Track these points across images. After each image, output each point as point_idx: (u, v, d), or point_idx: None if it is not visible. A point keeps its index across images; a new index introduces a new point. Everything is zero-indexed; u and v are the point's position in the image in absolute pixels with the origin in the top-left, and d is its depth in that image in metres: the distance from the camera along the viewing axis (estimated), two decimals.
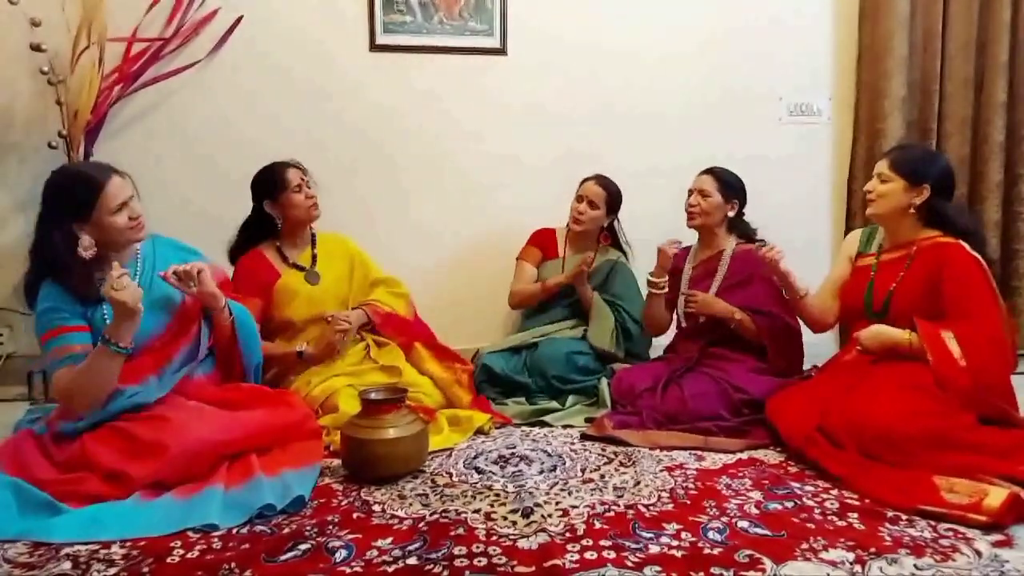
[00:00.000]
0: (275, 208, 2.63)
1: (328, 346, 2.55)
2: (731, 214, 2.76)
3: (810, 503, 1.89)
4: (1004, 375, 2.20)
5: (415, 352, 2.70)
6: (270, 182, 2.62)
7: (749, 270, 2.71)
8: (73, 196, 2.01)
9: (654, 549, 1.64)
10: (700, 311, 2.69)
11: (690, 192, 2.77)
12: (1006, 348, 2.21)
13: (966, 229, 2.32)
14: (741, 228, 2.80)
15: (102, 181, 2.01)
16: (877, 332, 2.31)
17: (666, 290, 2.76)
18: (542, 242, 3.12)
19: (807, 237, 2.93)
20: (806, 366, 2.71)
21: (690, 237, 2.88)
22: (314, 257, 2.70)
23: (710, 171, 2.78)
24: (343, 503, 1.90)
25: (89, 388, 1.95)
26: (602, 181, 3.00)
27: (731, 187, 2.75)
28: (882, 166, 2.38)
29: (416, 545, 1.68)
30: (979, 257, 2.25)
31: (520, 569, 1.57)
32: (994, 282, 2.26)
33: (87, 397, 1.95)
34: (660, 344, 2.99)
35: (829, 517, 1.81)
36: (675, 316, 2.85)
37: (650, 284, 2.77)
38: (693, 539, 1.69)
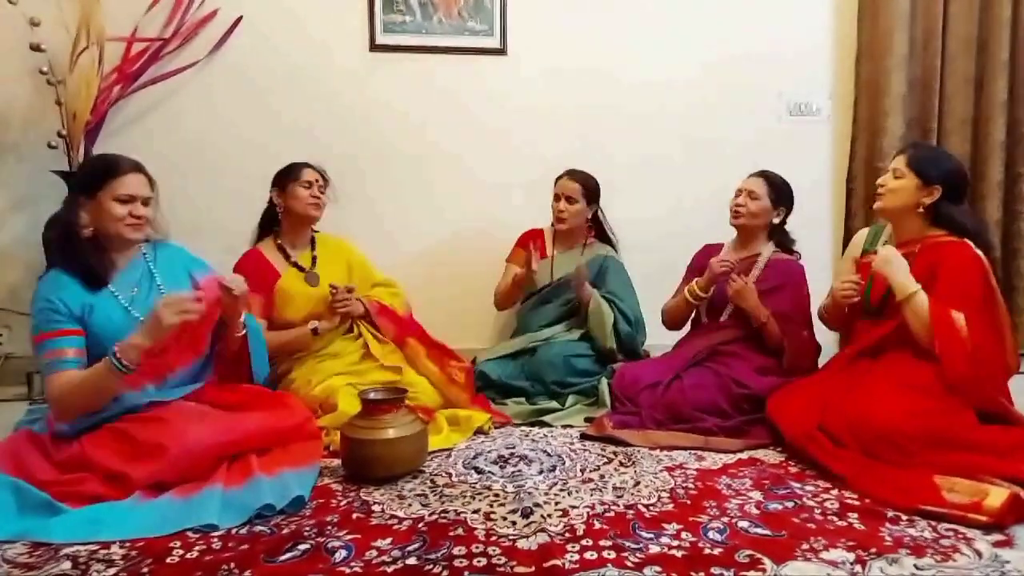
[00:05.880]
0: (280, 197, 2.67)
1: (334, 315, 2.63)
2: (776, 220, 2.74)
3: (810, 503, 1.89)
4: (1001, 368, 2.20)
5: (410, 348, 2.70)
6: (285, 171, 2.68)
7: (781, 280, 2.69)
8: (90, 172, 2.05)
9: (654, 549, 1.64)
10: (736, 298, 2.64)
11: (738, 192, 2.75)
12: (1005, 342, 2.21)
13: (973, 231, 2.30)
14: (781, 237, 2.78)
15: (123, 168, 2.04)
16: (896, 259, 2.24)
17: (704, 302, 2.77)
18: (530, 244, 3.09)
19: (806, 236, 2.93)
20: None
21: (696, 234, 2.87)
22: (314, 259, 2.72)
23: (762, 174, 2.74)
24: (342, 503, 1.90)
25: (85, 401, 1.94)
26: (574, 175, 2.98)
27: (781, 193, 2.73)
28: (899, 161, 2.36)
29: (415, 545, 1.67)
30: (983, 257, 2.24)
31: (520, 569, 1.56)
32: (995, 283, 2.25)
33: (80, 408, 1.94)
34: (664, 345, 2.98)
35: (829, 517, 1.81)
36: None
37: (691, 294, 2.76)
38: (693, 539, 1.69)
